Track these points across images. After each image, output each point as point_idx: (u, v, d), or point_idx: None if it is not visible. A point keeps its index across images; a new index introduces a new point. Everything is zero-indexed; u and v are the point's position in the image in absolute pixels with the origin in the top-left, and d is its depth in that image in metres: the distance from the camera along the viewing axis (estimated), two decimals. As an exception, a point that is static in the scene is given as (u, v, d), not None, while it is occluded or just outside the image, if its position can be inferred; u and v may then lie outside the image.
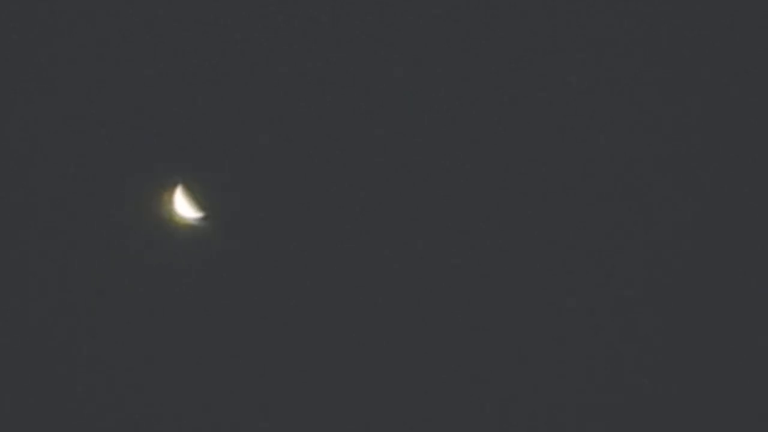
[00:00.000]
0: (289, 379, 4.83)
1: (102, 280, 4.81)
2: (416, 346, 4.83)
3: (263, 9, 4.78)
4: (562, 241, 4.80)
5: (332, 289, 4.84)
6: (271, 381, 4.84)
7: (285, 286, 4.84)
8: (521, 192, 4.80)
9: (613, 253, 4.80)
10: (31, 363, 4.80)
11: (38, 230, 4.81)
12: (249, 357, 4.84)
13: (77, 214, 4.81)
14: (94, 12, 4.74)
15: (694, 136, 4.79)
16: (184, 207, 4.83)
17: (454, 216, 4.81)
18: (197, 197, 4.82)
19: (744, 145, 4.80)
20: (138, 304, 4.83)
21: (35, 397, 4.79)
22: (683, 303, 4.79)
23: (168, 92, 4.78)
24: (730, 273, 4.79)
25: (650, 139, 4.79)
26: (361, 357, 4.82)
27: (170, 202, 4.83)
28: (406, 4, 4.77)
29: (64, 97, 4.77)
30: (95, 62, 4.76)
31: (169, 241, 4.83)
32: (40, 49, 4.76)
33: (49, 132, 4.79)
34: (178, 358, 4.84)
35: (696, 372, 4.77)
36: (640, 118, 4.78)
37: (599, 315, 4.80)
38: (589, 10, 4.76)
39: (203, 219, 4.83)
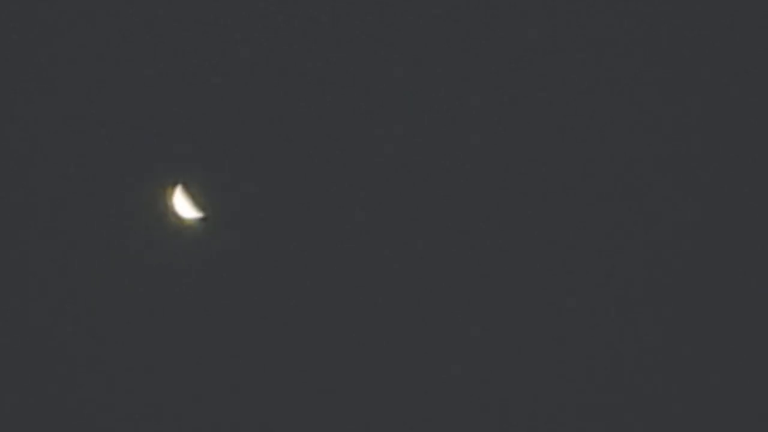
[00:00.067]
0: (289, 379, 4.83)
1: (102, 280, 4.81)
2: (416, 346, 4.82)
3: (263, 9, 4.78)
4: (562, 241, 4.80)
5: (332, 289, 4.84)
6: (271, 381, 4.84)
7: (285, 286, 4.84)
8: (521, 192, 4.80)
9: (613, 253, 4.80)
10: (31, 363, 4.80)
11: (38, 230, 4.81)
12: (249, 357, 4.84)
13: (77, 214, 4.81)
14: (94, 12, 4.74)
15: (694, 136, 4.79)
16: (183, 207, 4.83)
17: (454, 216, 4.81)
18: (197, 197, 4.82)
19: (744, 145, 4.80)
20: (138, 304, 4.82)
21: (35, 397, 4.79)
22: (683, 303, 4.79)
23: (168, 92, 4.78)
24: (730, 273, 4.79)
25: (650, 139, 4.79)
26: (361, 357, 4.82)
27: (170, 202, 4.83)
28: (406, 4, 4.77)
29: (64, 97, 4.77)
30: (95, 62, 4.76)
31: (169, 241, 4.83)
32: (40, 49, 4.76)
33: (49, 132, 4.79)
34: (178, 358, 4.84)
35: (696, 372, 4.77)
36: (640, 118, 4.78)
37: (599, 315, 4.80)
38: (589, 10, 4.75)
39: (203, 219, 4.83)
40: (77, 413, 4.80)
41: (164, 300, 4.82)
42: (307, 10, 4.78)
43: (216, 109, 4.79)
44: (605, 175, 4.79)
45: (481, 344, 4.82)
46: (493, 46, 4.77)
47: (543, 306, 4.80)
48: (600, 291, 4.80)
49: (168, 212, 4.83)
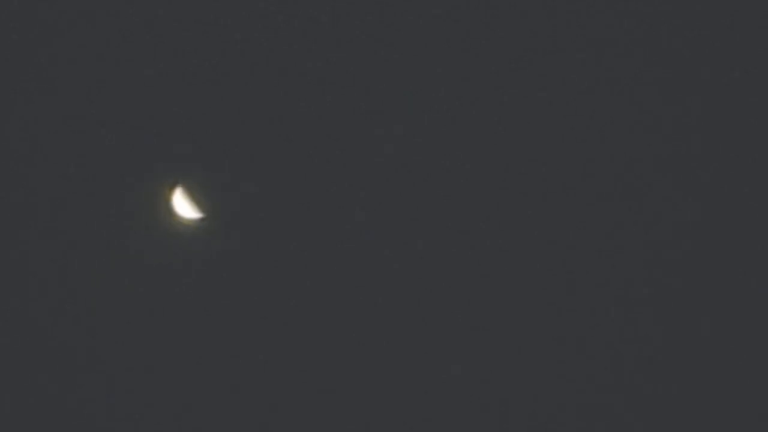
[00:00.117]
0: (289, 379, 4.84)
1: (102, 280, 4.81)
2: (416, 346, 4.83)
3: (263, 9, 4.78)
4: (562, 241, 4.80)
5: (332, 289, 4.84)
6: (271, 381, 4.84)
7: (285, 286, 4.85)
8: (521, 192, 4.80)
9: (613, 253, 4.80)
10: (31, 363, 4.80)
11: (38, 230, 4.82)
12: (249, 357, 4.84)
13: (77, 214, 4.81)
14: (94, 12, 4.74)
15: (694, 136, 4.79)
16: (184, 207, 4.83)
17: (454, 216, 4.81)
18: (197, 197, 4.83)
19: (744, 145, 4.80)
20: (138, 304, 4.83)
21: (35, 397, 4.79)
22: (683, 303, 4.79)
23: (168, 92, 4.78)
24: (730, 273, 4.79)
25: (650, 139, 4.79)
26: (361, 357, 4.82)
27: (170, 202, 4.83)
28: (406, 4, 4.77)
29: (64, 97, 4.77)
30: (95, 62, 4.76)
31: (169, 241, 4.83)
32: (40, 49, 4.76)
33: (49, 132, 4.79)
34: (178, 358, 4.84)
35: (696, 372, 4.77)
36: (640, 118, 4.78)
37: (599, 315, 4.80)
38: (589, 10, 4.76)
39: (203, 219, 4.83)
40: (77, 413, 4.80)
41: (164, 300, 4.83)
42: (307, 10, 4.78)
43: (216, 109, 4.79)
44: (605, 175, 4.79)
45: (481, 344, 4.82)
46: (493, 46, 4.77)
47: (543, 306, 4.81)
48: (600, 291, 4.80)
49: (168, 212, 4.83)
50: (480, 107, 4.79)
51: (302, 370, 4.83)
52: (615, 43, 4.77)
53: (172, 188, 4.81)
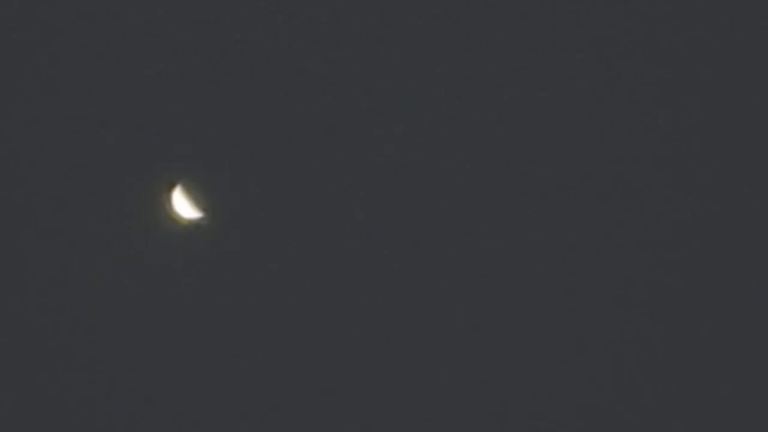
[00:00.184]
0: (289, 379, 4.84)
1: (102, 280, 4.81)
2: (416, 346, 4.83)
3: (263, 9, 4.78)
4: (562, 241, 4.80)
5: (332, 289, 4.84)
6: (271, 381, 4.84)
7: (285, 286, 4.85)
8: (521, 192, 4.80)
9: (613, 253, 4.80)
10: (31, 363, 4.80)
11: (38, 230, 4.81)
12: (249, 356, 4.84)
13: (77, 214, 4.81)
14: (94, 12, 4.74)
15: (694, 136, 4.79)
16: (183, 206, 4.83)
17: (454, 216, 4.81)
18: (197, 197, 4.83)
19: (744, 145, 4.80)
20: (138, 304, 4.83)
21: (35, 397, 4.79)
22: (683, 303, 4.79)
23: (168, 92, 4.78)
24: (730, 273, 4.79)
25: (650, 139, 4.79)
26: (361, 357, 4.83)
27: (170, 201, 4.83)
28: (406, 4, 4.77)
29: (64, 97, 4.77)
30: (95, 62, 4.76)
31: (168, 240, 4.83)
32: (40, 49, 4.76)
33: (49, 132, 4.79)
34: (178, 358, 4.84)
35: (696, 372, 4.78)
36: (640, 118, 4.78)
37: (599, 315, 4.80)
38: (589, 10, 4.76)
39: (203, 218, 4.83)
40: (77, 413, 4.80)
41: (164, 300, 4.83)
42: (307, 10, 4.78)
43: (216, 109, 4.79)
44: (605, 175, 4.79)
45: (481, 344, 4.82)
46: (493, 46, 4.77)
47: (543, 306, 4.81)
48: (600, 291, 4.80)
49: (167, 212, 4.83)
50: (480, 107, 4.79)
51: (302, 370, 4.83)
52: (615, 43, 4.77)
53: (171, 188, 4.81)
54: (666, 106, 4.78)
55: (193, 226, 4.83)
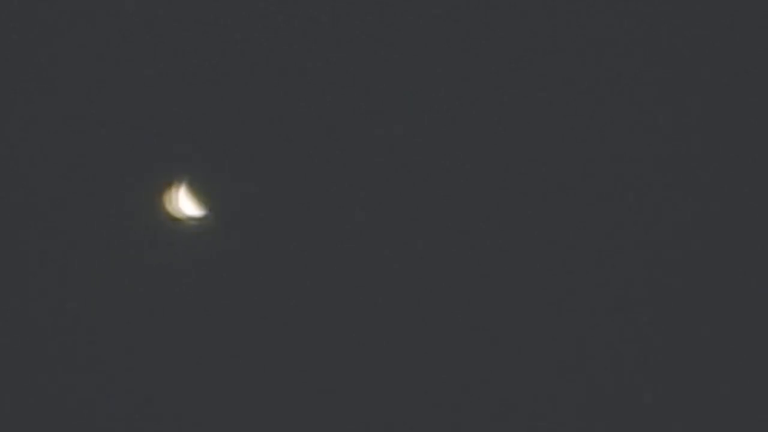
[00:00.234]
0: (290, 379, 4.84)
1: (102, 279, 4.81)
2: (416, 346, 4.83)
3: (263, 9, 4.78)
4: (562, 241, 4.80)
5: (332, 288, 4.84)
6: (271, 381, 4.84)
7: (286, 285, 4.85)
8: (521, 192, 4.80)
9: (613, 253, 4.81)
10: (32, 363, 4.80)
11: (38, 230, 4.82)
12: (250, 356, 4.85)
13: (77, 213, 4.81)
14: (94, 12, 4.74)
15: (694, 136, 4.79)
16: (185, 205, 4.84)
17: (454, 216, 4.82)
18: (198, 195, 4.83)
19: (744, 145, 4.80)
20: (138, 303, 4.83)
21: (35, 397, 4.79)
22: (683, 303, 4.80)
23: (168, 91, 4.78)
24: (730, 273, 4.80)
25: (650, 139, 4.79)
26: (361, 357, 4.83)
27: (171, 200, 4.83)
28: (406, 4, 4.77)
29: (64, 97, 4.77)
30: (95, 62, 4.76)
31: (169, 239, 4.83)
32: (40, 49, 4.76)
33: (49, 132, 4.79)
34: (179, 358, 4.84)
35: (696, 372, 4.78)
36: (640, 118, 4.78)
37: (599, 315, 4.80)
38: (589, 10, 4.76)
39: (204, 217, 4.83)
40: (77, 413, 4.80)
41: (165, 299, 4.83)
42: (307, 10, 4.78)
43: (216, 109, 4.80)
44: (605, 175, 4.79)
45: (481, 344, 4.82)
46: (493, 46, 4.77)
47: (543, 306, 4.81)
48: (600, 291, 4.80)
49: (169, 211, 4.83)
50: (480, 107, 4.79)
51: (302, 369, 4.84)
52: (615, 43, 4.77)
53: (172, 187, 4.82)
54: (666, 106, 4.78)
55: (194, 224, 4.83)
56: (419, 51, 4.79)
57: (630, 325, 4.80)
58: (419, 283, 4.82)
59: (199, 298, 4.85)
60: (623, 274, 4.81)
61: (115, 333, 4.83)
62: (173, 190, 4.82)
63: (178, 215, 4.83)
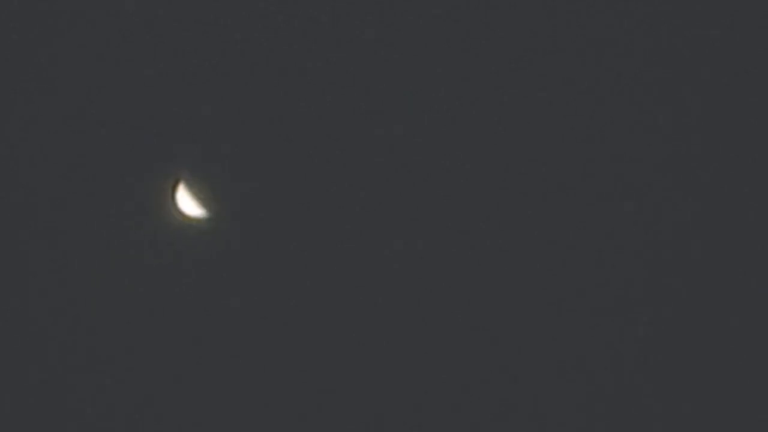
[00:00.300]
0: (290, 379, 4.84)
1: (104, 278, 4.81)
2: (416, 346, 4.83)
3: (263, 9, 4.79)
4: (562, 241, 4.80)
5: (333, 288, 4.84)
6: (271, 381, 4.84)
7: (287, 283, 4.85)
8: (521, 192, 4.80)
9: (613, 253, 4.80)
10: (32, 363, 4.80)
11: (40, 229, 4.82)
12: (252, 354, 4.85)
13: (78, 212, 4.81)
14: (94, 12, 4.75)
15: (694, 136, 4.79)
16: (187, 203, 4.84)
17: (454, 216, 4.82)
18: (200, 194, 4.83)
19: (744, 145, 4.80)
20: (141, 302, 4.83)
21: (35, 397, 4.79)
22: (683, 303, 4.79)
23: (170, 89, 4.78)
24: (730, 273, 4.79)
25: (650, 139, 4.79)
26: (361, 357, 4.83)
27: (174, 199, 4.83)
28: (406, 4, 4.77)
29: (64, 96, 4.78)
30: (95, 62, 4.76)
31: (171, 237, 4.83)
32: (40, 49, 4.76)
33: (51, 130, 4.79)
34: (182, 356, 4.84)
35: (696, 373, 4.78)
36: (640, 118, 4.78)
37: (599, 315, 4.80)
38: (589, 10, 4.76)
39: (206, 216, 4.84)
40: (77, 413, 4.80)
41: (168, 298, 4.83)
42: (307, 10, 4.79)
43: (218, 108, 4.80)
44: (605, 175, 4.79)
45: (481, 344, 4.82)
46: (493, 46, 4.77)
47: (543, 306, 4.81)
48: (600, 291, 4.80)
49: (171, 209, 4.83)
50: (480, 107, 4.79)
51: (303, 369, 4.84)
52: (615, 43, 4.77)
53: (175, 185, 4.82)
54: (666, 106, 4.78)
55: (198, 223, 4.83)
56: (419, 51, 4.79)
57: (630, 326, 4.80)
58: (419, 283, 4.82)
59: (202, 296, 4.85)
60: (623, 274, 4.80)
61: (118, 331, 4.83)
62: (177, 188, 4.83)
63: (181, 213, 4.84)
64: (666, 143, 4.79)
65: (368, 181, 4.80)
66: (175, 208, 4.83)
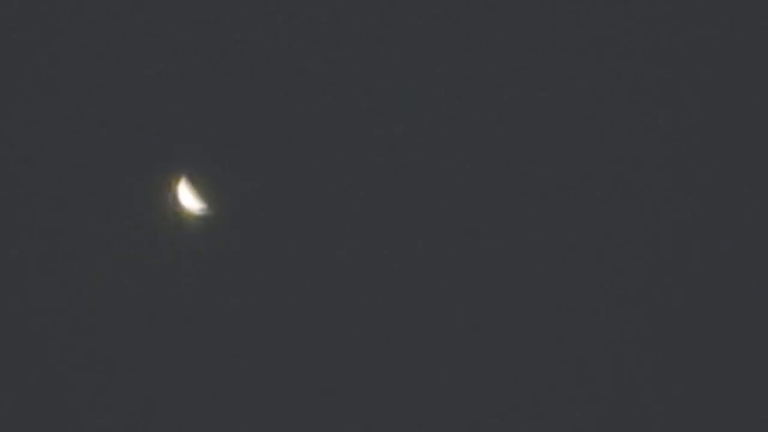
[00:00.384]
0: (290, 379, 4.84)
1: (105, 275, 4.82)
2: (416, 346, 4.83)
3: (263, 9, 4.78)
4: (562, 241, 4.80)
5: (333, 287, 4.84)
6: (271, 380, 4.84)
7: (285, 283, 4.85)
8: (521, 192, 4.80)
9: (613, 253, 4.80)
10: (32, 363, 4.81)
11: (41, 227, 4.82)
12: (252, 353, 4.85)
13: (79, 210, 4.81)
14: (94, 12, 4.74)
15: (694, 136, 4.79)
16: (188, 200, 4.84)
17: (454, 216, 4.82)
18: (201, 190, 4.83)
19: (744, 145, 4.80)
20: (142, 299, 4.83)
21: (35, 397, 4.80)
22: (683, 303, 4.79)
23: (170, 87, 4.78)
24: (730, 273, 4.79)
25: (650, 139, 4.78)
26: (362, 357, 4.83)
27: (174, 196, 4.83)
28: (406, 4, 4.77)
29: (64, 96, 4.78)
30: (95, 62, 4.76)
31: (172, 234, 4.84)
32: (40, 49, 4.76)
33: (51, 127, 4.79)
34: (181, 355, 4.84)
35: (696, 373, 4.78)
36: (640, 118, 4.78)
37: (599, 315, 4.80)
38: (589, 10, 4.75)
39: (206, 212, 4.84)
40: (77, 413, 4.81)
41: (169, 295, 4.83)
42: (307, 10, 4.78)
43: (219, 106, 4.80)
44: (605, 175, 4.79)
45: (481, 344, 4.82)
46: (493, 46, 4.77)
47: (543, 306, 4.81)
48: (600, 291, 4.80)
49: (171, 207, 4.83)
50: (480, 107, 4.79)
51: (303, 369, 4.84)
52: (615, 43, 4.77)
53: (175, 181, 4.82)
54: (666, 106, 4.77)
55: (197, 219, 4.83)
56: (419, 51, 4.78)
57: (630, 325, 4.80)
58: (419, 283, 4.82)
59: (202, 293, 4.85)
60: (623, 274, 4.80)
61: (119, 329, 4.83)
62: (177, 184, 4.83)
63: (182, 210, 4.84)
64: (666, 143, 4.79)
65: (368, 181, 4.80)
66: (175, 206, 4.83)
